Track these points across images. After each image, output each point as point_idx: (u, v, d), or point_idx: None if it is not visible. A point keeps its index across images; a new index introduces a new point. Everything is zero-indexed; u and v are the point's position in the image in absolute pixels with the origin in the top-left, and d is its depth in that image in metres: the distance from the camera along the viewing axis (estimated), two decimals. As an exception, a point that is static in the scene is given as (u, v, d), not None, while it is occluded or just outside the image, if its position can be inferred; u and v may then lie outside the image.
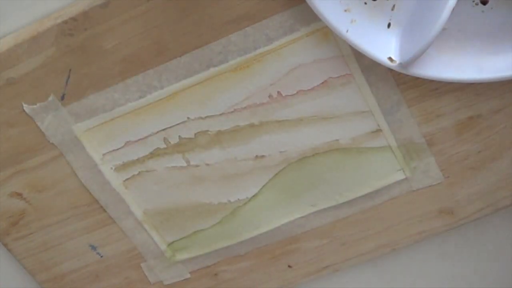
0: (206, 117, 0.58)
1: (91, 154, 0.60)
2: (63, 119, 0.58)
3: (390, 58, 0.50)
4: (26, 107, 0.58)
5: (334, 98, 0.56)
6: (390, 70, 0.53)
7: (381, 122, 0.56)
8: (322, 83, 0.55)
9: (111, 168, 0.61)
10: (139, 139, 0.59)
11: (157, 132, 0.59)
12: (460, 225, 0.62)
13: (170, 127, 0.58)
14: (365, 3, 0.50)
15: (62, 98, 0.57)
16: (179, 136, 0.59)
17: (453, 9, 0.45)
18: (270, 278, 0.67)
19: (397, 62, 0.50)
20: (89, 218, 0.64)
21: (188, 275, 0.67)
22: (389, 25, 0.50)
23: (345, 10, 0.49)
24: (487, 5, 0.49)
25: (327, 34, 0.53)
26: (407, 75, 0.51)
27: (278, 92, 0.56)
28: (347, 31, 0.49)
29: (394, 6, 0.50)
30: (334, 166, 0.59)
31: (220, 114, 0.58)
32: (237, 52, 0.54)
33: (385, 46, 0.50)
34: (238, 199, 0.62)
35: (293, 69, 0.55)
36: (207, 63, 0.55)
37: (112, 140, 0.59)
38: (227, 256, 0.66)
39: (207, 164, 0.60)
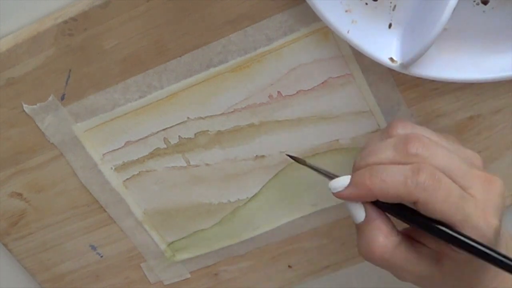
0: (206, 117, 0.58)
1: (91, 154, 0.60)
2: (63, 119, 0.58)
3: (391, 59, 0.50)
4: (26, 107, 0.58)
5: (334, 98, 0.56)
6: (390, 70, 0.53)
7: (381, 122, 0.56)
8: (322, 83, 0.55)
9: (111, 168, 0.61)
10: (139, 139, 0.59)
11: (157, 132, 0.59)
12: (460, 225, 0.62)
13: (170, 127, 0.59)
14: (366, 4, 0.50)
15: (62, 98, 0.57)
16: (179, 136, 0.59)
17: (454, 9, 0.45)
18: (270, 278, 0.67)
19: (398, 62, 0.50)
20: (89, 218, 0.64)
21: (188, 275, 0.67)
22: (390, 26, 0.50)
23: (346, 11, 0.49)
24: (488, 5, 0.49)
25: (327, 34, 0.53)
26: (407, 75, 0.51)
27: (278, 92, 0.56)
28: (348, 31, 0.49)
29: (395, 6, 0.50)
30: (334, 166, 0.59)
31: (220, 114, 0.58)
32: (237, 52, 0.54)
33: (386, 47, 0.50)
34: (238, 199, 0.62)
35: (293, 69, 0.55)
36: (207, 63, 0.55)
37: (112, 140, 0.59)
38: (227, 256, 0.66)
39: (207, 164, 0.60)
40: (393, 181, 0.47)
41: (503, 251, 0.49)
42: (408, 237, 0.50)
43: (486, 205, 0.47)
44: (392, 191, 0.47)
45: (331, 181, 0.50)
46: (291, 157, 0.57)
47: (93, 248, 0.66)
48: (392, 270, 0.50)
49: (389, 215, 0.50)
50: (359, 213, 0.50)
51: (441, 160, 0.47)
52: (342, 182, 0.50)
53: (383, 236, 0.49)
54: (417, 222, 0.48)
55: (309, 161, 0.59)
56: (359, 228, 0.51)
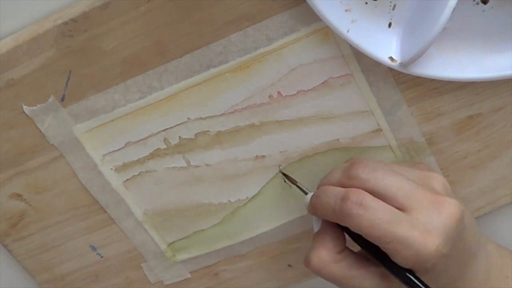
0: (206, 117, 0.58)
1: (91, 155, 0.60)
2: (63, 120, 0.58)
3: (391, 58, 0.50)
4: (26, 109, 0.58)
5: (334, 98, 0.56)
6: (390, 69, 0.53)
7: (381, 121, 0.56)
8: (323, 83, 0.55)
9: (111, 169, 0.61)
10: (139, 140, 0.59)
11: (158, 132, 0.59)
12: (460, 223, 0.62)
13: (170, 127, 0.59)
14: (366, 3, 0.50)
15: (62, 99, 0.57)
16: (179, 136, 0.59)
17: (454, 8, 0.45)
18: (270, 278, 0.67)
19: (398, 61, 0.50)
20: (89, 218, 0.64)
21: (188, 275, 0.67)
22: (390, 25, 0.50)
23: (346, 10, 0.49)
24: (487, 5, 0.49)
25: (327, 34, 0.53)
26: (407, 75, 0.52)
27: (278, 92, 0.56)
28: (348, 31, 0.49)
29: (395, 5, 0.50)
30: (334, 166, 0.59)
31: (221, 115, 0.58)
32: (237, 53, 0.55)
33: (386, 46, 0.50)
34: (238, 199, 0.62)
35: (293, 69, 0.55)
36: (207, 64, 0.55)
37: (112, 141, 0.59)
38: (227, 256, 0.66)
39: (207, 165, 0.60)
40: (326, 205, 0.50)
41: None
42: (358, 255, 0.52)
43: (428, 226, 0.47)
44: (326, 214, 0.50)
45: (306, 196, 0.55)
46: (284, 174, 0.60)
47: (93, 248, 0.66)
48: (334, 282, 0.52)
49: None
50: (316, 224, 0.53)
51: (381, 182, 0.49)
52: (307, 198, 0.54)
53: (325, 250, 0.51)
54: (361, 246, 0.51)
55: (309, 160, 0.59)
56: (313, 237, 0.53)
